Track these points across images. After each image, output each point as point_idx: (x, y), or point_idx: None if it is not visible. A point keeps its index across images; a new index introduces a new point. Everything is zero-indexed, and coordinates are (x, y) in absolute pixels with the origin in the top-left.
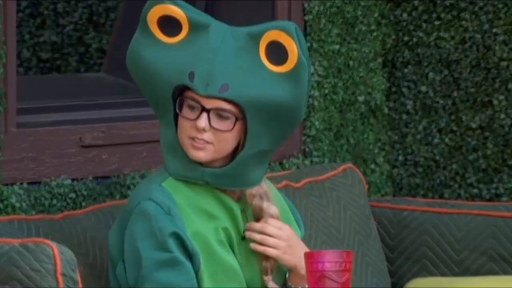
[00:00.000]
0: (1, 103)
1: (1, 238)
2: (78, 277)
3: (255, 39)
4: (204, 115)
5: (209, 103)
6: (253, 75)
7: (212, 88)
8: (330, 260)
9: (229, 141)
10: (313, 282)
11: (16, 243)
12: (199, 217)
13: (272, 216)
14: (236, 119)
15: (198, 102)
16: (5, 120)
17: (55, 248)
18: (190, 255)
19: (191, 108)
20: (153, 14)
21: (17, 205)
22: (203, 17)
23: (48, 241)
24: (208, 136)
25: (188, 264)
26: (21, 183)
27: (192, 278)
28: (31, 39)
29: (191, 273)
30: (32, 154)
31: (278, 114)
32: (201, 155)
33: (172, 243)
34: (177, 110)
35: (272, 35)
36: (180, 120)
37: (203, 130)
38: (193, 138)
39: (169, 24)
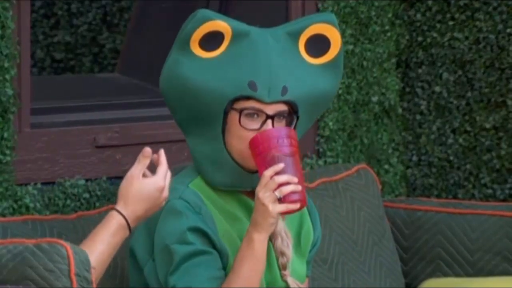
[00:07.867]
0: (15, 104)
1: (15, 239)
2: (92, 278)
3: (295, 36)
4: (269, 122)
5: (271, 109)
6: (300, 72)
7: (275, 93)
8: (274, 138)
9: None
10: (263, 164)
11: (30, 244)
12: (225, 219)
13: None
14: (292, 118)
15: (260, 110)
16: (19, 121)
17: (69, 249)
18: (218, 252)
19: (250, 117)
20: (200, 32)
21: (31, 205)
22: (243, 25)
23: (62, 242)
24: None
25: (215, 253)
26: (35, 184)
27: (219, 266)
28: (45, 40)
29: (218, 262)
30: (46, 155)
31: (320, 104)
32: None
33: (191, 237)
34: (239, 123)
35: (315, 29)
36: (238, 131)
37: None
38: None
39: (208, 39)
